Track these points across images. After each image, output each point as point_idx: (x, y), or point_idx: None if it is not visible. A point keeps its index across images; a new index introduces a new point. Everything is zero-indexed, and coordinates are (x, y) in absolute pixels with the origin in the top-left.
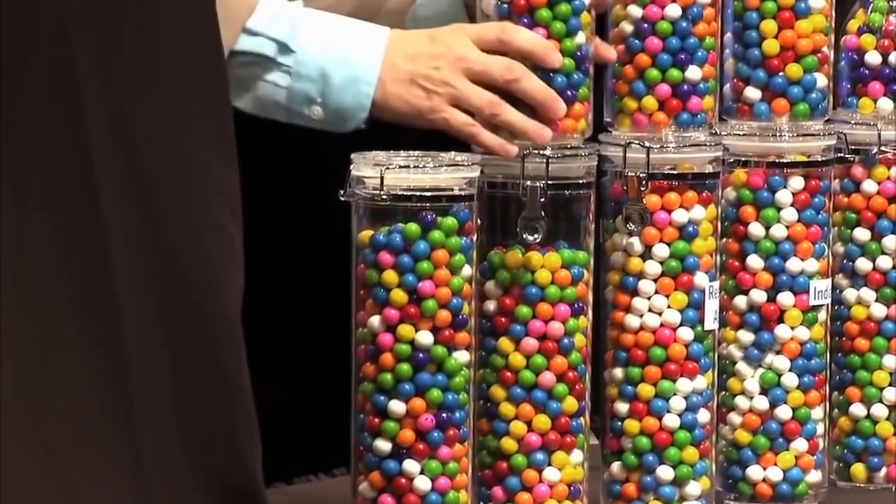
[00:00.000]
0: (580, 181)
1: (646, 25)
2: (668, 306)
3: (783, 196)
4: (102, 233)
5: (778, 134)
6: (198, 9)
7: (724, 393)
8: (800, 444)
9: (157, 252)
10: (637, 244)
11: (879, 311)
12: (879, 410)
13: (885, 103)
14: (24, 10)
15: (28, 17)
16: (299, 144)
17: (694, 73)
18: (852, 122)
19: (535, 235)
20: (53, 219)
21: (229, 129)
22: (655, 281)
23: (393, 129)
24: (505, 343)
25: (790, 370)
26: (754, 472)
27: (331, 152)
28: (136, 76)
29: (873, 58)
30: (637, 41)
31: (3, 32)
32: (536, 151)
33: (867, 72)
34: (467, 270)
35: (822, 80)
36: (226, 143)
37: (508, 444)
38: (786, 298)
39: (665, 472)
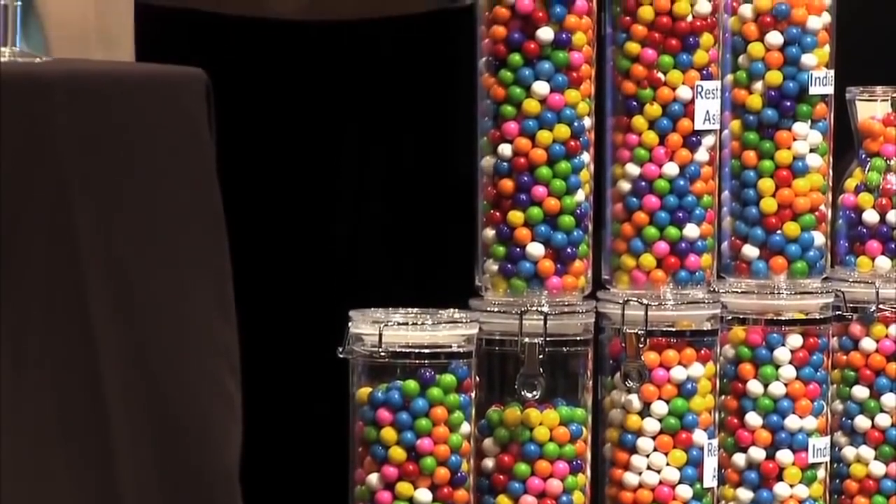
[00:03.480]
0: (578, 338)
1: (643, 183)
2: (667, 464)
3: (781, 353)
4: (100, 390)
5: (776, 292)
6: (198, 169)
7: None
8: None
9: (155, 411)
10: (635, 401)
11: (878, 469)
12: None
13: (882, 261)
14: (24, 169)
15: (27, 177)
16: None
17: (692, 230)
18: (850, 280)
19: (534, 392)
20: (52, 375)
21: (228, 288)
22: (654, 438)
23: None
24: (504, 501)
25: None
26: None
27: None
28: (137, 235)
29: (871, 216)
30: (635, 199)
31: (3, 191)
32: (534, 309)
33: (865, 230)
34: (466, 427)
35: (819, 238)
36: (225, 301)
37: None
38: (784, 456)
39: None
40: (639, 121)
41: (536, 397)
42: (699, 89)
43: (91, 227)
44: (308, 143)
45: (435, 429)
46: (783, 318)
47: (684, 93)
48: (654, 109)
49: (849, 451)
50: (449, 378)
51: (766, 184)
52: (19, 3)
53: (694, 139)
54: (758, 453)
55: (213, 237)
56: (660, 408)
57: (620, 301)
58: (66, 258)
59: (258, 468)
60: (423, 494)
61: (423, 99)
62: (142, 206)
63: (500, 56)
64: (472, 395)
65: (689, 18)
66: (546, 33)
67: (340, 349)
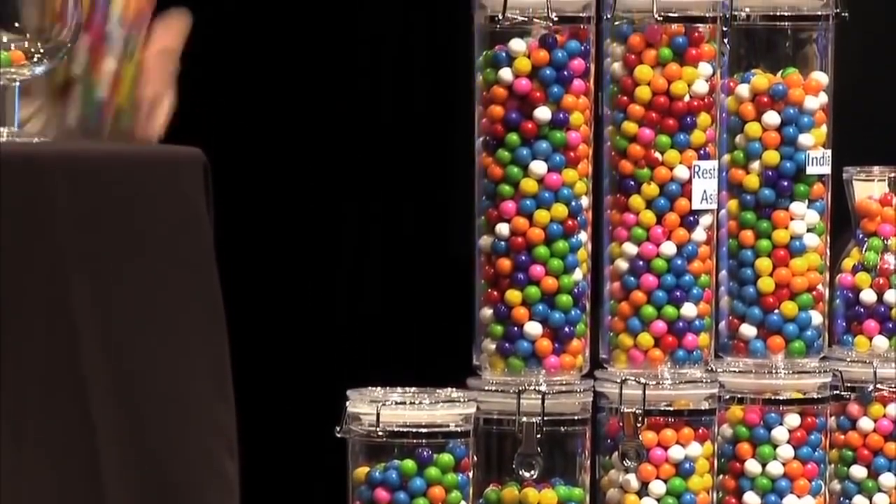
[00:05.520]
0: (576, 417)
1: (641, 263)
2: None
3: (779, 433)
4: (98, 470)
5: (774, 371)
6: (196, 249)
7: None
8: None
9: (152, 491)
10: (633, 481)
11: None
12: None
13: (880, 341)
14: (23, 250)
15: (26, 258)
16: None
17: (689, 310)
18: (848, 359)
19: (531, 472)
20: (50, 454)
21: (226, 368)
22: None
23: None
24: None
25: None
26: None
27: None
28: (135, 315)
29: (868, 296)
30: (632, 278)
31: (2, 273)
32: (532, 388)
33: (862, 310)
34: None
35: (817, 317)
36: (223, 381)
37: None
38: None
39: None
40: (636, 200)
41: (534, 477)
42: (696, 169)
43: (90, 308)
44: (306, 224)
45: None
46: (781, 398)
47: (681, 172)
48: (651, 189)
49: None
50: (447, 457)
51: (764, 263)
52: (18, 84)
53: (691, 219)
54: None
55: (212, 317)
56: (658, 487)
57: (618, 380)
58: (64, 339)
59: None
60: None
61: (421, 178)
62: (140, 286)
63: (498, 136)
64: (470, 474)
65: (686, 98)
66: (544, 113)
67: (338, 428)
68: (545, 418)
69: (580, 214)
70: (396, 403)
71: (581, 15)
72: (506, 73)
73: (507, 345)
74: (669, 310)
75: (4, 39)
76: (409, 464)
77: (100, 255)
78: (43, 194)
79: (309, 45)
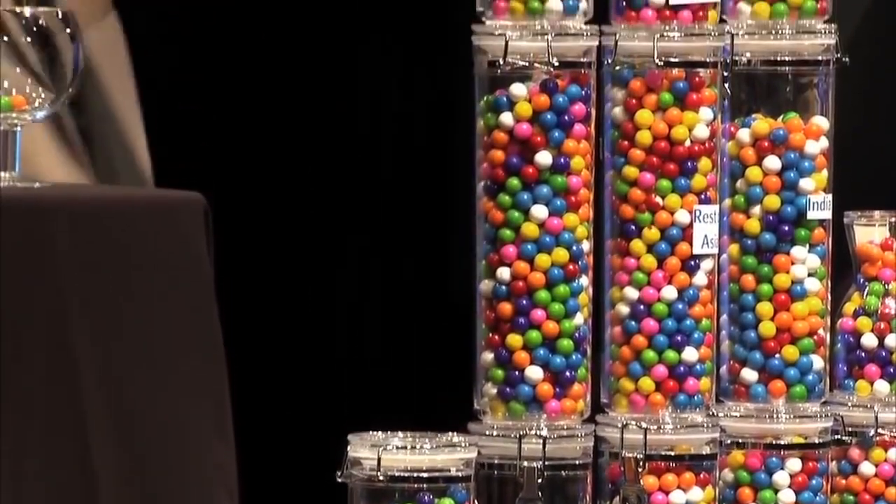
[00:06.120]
0: (577, 462)
1: (642, 307)
2: None
3: (780, 478)
4: None
5: (775, 416)
6: (196, 293)
7: None
8: None
9: None
10: None
11: None
12: None
13: (881, 386)
14: (24, 294)
15: (27, 301)
16: None
17: (690, 354)
18: (849, 404)
19: None
20: (50, 493)
21: (227, 410)
22: None
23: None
24: None
25: None
26: None
27: None
28: (136, 358)
29: (869, 340)
30: (633, 323)
31: (4, 315)
32: (533, 433)
33: (863, 354)
34: None
35: (818, 362)
36: (223, 424)
37: None
38: None
39: None
40: (637, 244)
41: None
42: (697, 213)
43: (90, 350)
44: (308, 268)
45: None
46: (782, 443)
47: (682, 217)
48: (652, 233)
49: None
50: (448, 502)
51: (765, 307)
52: (19, 128)
53: (692, 263)
54: None
55: (212, 360)
56: None
57: (619, 425)
58: (65, 379)
59: None
60: None
61: (422, 222)
62: (141, 329)
63: (499, 180)
64: None
65: (687, 143)
66: (545, 158)
67: (339, 473)
68: (546, 463)
69: (581, 259)
70: (397, 448)
71: (582, 60)
72: (507, 118)
73: (508, 389)
74: (670, 354)
75: (6, 84)
76: None
77: (100, 297)
78: (44, 237)
79: (312, 90)
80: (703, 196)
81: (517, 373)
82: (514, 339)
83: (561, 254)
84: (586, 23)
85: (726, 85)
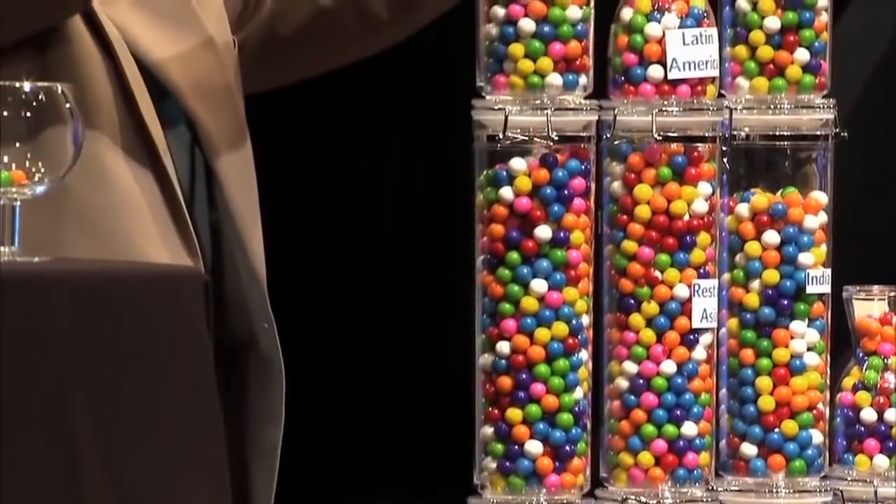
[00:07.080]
0: None
1: (641, 381)
2: None
3: None
4: None
5: (774, 490)
6: (196, 370)
7: None
8: None
9: None
10: None
11: None
12: None
13: (881, 460)
14: (23, 369)
15: (26, 377)
16: None
17: (689, 428)
18: (849, 478)
19: None
20: None
21: (225, 483)
22: None
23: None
24: None
25: None
26: None
27: None
28: (135, 435)
29: (869, 415)
30: (632, 397)
31: (2, 392)
32: (534, 500)
33: (863, 429)
34: None
35: (817, 436)
36: (220, 493)
37: None
38: None
39: None
40: (636, 318)
41: None
42: (696, 288)
43: (89, 428)
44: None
45: None
46: None
47: (681, 291)
48: (651, 308)
49: None
50: None
51: (764, 382)
52: (18, 202)
53: (691, 337)
54: None
55: (211, 437)
56: None
57: (619, 499)
58: (65, 458)
59: None
60: None
61: (421, 296)
62: (140, 406)
63: (498, 254)
64: None
65: (686, 217)
66: (544, 232)
67: None
68: None
69: (581, 333)
70: None
71: (581, 134)
72: (506, 192)
73: (507, 463)
74: (670, 428)
75: (6, 159)
76: None
77: (100, 374)
78: (43, 314)
79: (311, 164)
80: (701, 270)
81: (517, 447)
82: (514, 413)
83: (560, 328)
84: (586, 97)
85: (725, 159)
